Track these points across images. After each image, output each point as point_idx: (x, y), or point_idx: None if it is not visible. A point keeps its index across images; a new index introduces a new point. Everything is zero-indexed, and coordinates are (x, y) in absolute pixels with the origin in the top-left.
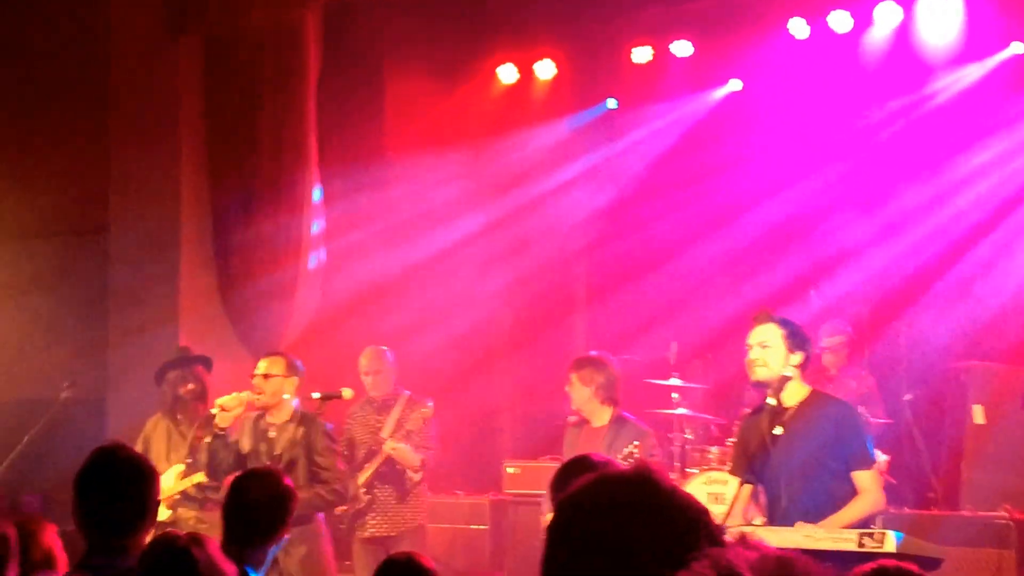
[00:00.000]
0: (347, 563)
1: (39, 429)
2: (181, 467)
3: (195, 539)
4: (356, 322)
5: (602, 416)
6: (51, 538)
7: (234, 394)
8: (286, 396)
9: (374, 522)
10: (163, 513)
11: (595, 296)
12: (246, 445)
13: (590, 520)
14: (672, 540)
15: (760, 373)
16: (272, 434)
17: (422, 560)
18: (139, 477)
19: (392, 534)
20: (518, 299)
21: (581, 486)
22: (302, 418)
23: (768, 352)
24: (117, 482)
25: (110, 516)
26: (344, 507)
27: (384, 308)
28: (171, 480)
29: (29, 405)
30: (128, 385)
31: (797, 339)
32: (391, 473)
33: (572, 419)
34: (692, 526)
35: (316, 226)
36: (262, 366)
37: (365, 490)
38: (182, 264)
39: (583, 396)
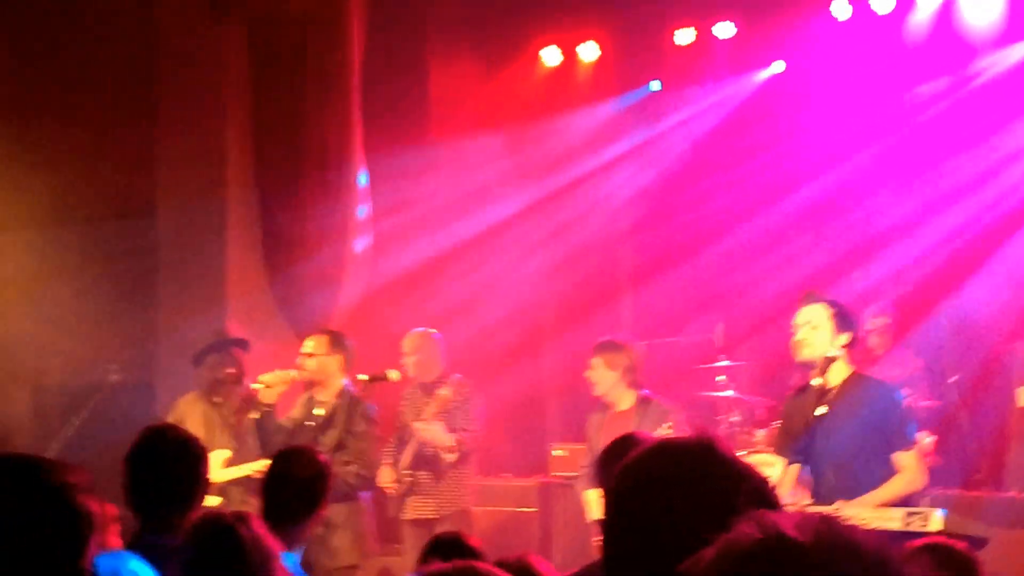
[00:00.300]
0: (397, 546)
1: (87, 413)
2: (227, 453)
3: (240, 517)
4: (402, 305)
5: (627, 399)
6: (107, 517)
7: (277, 371)
8: (334, 374)
9: (416, 504)
10: (213, 500)
11: (640, 278)
12: (295, 419)
13: (653, 486)
14: (732, 505)
15: (806, 352)
16: (318, 411)
17: (469, 540)
18: (188, 456)
19: (434, 516)
20: (564, 281)
21: (643, 453)
22: (347, 398)
23: (815, 332)
24: (166, 461)
25: (159, 495)
26: (391, 488)
27: (430, 291)
28: (217, 466)
29: (78, 389)
30: (176, 368)
31: (844, 320)
32: (430, 456)
33: None
34: (752, 490)
35: (362, 211)
36: (307, 345)
37: (408, 473)
38: (229, 247)
39: (609, 380)
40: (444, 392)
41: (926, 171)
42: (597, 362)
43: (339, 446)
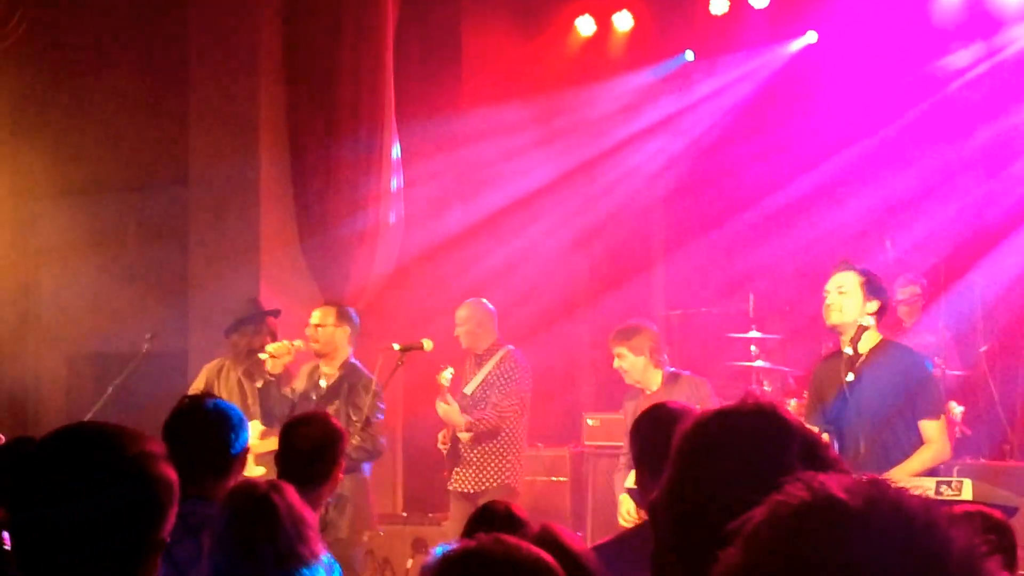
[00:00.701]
0: (437, 515)
1: (121, 381)
2: (260, 425)
3: (275, 486)
4: (434, 274)
5: (655, 379)
6: None
7: (284, 341)
8: (341, 346)
9: (459, 475)
10: (257, 470)
11: (673, 248)
12: (299, 389)
13: (709, 449)
14: (784, 464)
15: (835, 317)
16: (323, 382)
17: (517, 511)
18: (226, 425)
19: (473, 490)
20: (596, 251)
21: (699, 418)
22: (349, 369)
23: (845, 298)
24: (204, 429)
25: (197, 464)
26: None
27: (462, 260)
28: (255, 436)
29: (112, 358)
30: (210, 336)
31: (874, 287)
32: (482, 436)
33: None
34: (805, 449)
35: (395, 182)
36: (315, 316)
37: (447, 444)
38: (262, 216)
39: (639, 366)
40: (489, 365)
41: (957, 141)
42: (622, 351)
43: (341, 418)
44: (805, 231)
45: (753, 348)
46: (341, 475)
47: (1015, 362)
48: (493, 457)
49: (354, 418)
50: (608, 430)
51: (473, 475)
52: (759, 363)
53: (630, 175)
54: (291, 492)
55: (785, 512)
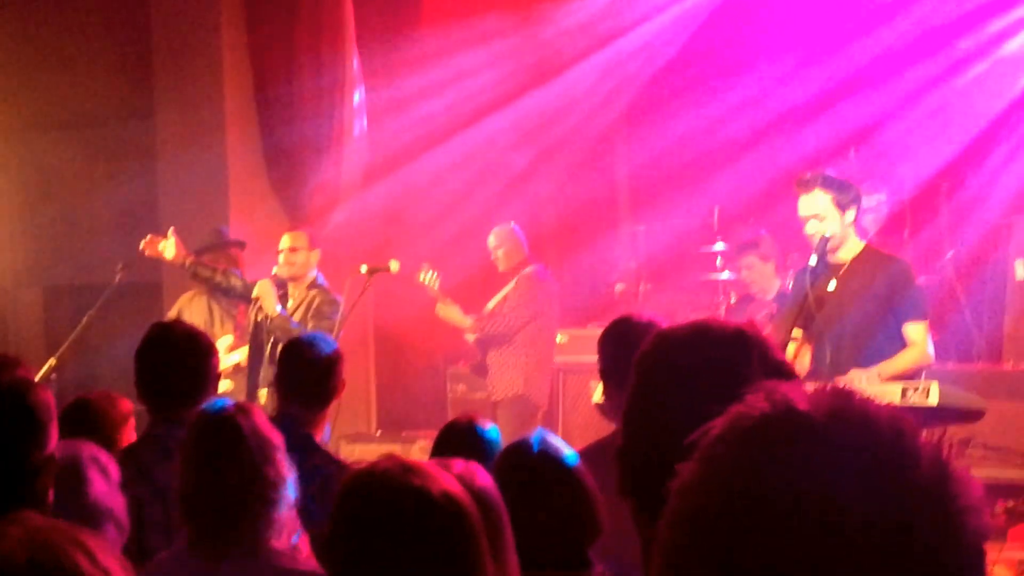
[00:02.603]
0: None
1: (96, 311)
2: (230, 339)
3: (241, 408)
4: (401, 197)
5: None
6: (118, 416)
7: (260, 281)
8: (312, 268)
9: (488, 386)
10: (224, 384)
11: (637, 163)
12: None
13: (668, 363)
14: (743, 375)
15: (830, 257)
16: (291, 303)
17: (481, 423)
18: (197, 350)
19: (493, 399)
20: (559, 167)
21: (661, 333)
22: (317, 287)
23: (825, 223)
24: (175, 355)
25: (169, 388)
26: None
27: (429, 182)
28: (222, 352)
29: (86, 290)
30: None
31: (845, 196)
32: (487, 341)
33: (619, 287)
34: (764, 360)
35: (357, 96)
36: (288, 241)
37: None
38: (228, 144)
39: (768, 272)
40: (511, 284)
41: (922, 52)
42: (751, 260)
43: None
44: (770, 144)
45: (719, 260)
46: (342, 392)
47: (981, 267)
48: (506, 367)
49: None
50: (577, 346)
51: (490, 384)
52: (725, 275)
53: (592, 92)
54: (258, 414)
55: (744, 425)
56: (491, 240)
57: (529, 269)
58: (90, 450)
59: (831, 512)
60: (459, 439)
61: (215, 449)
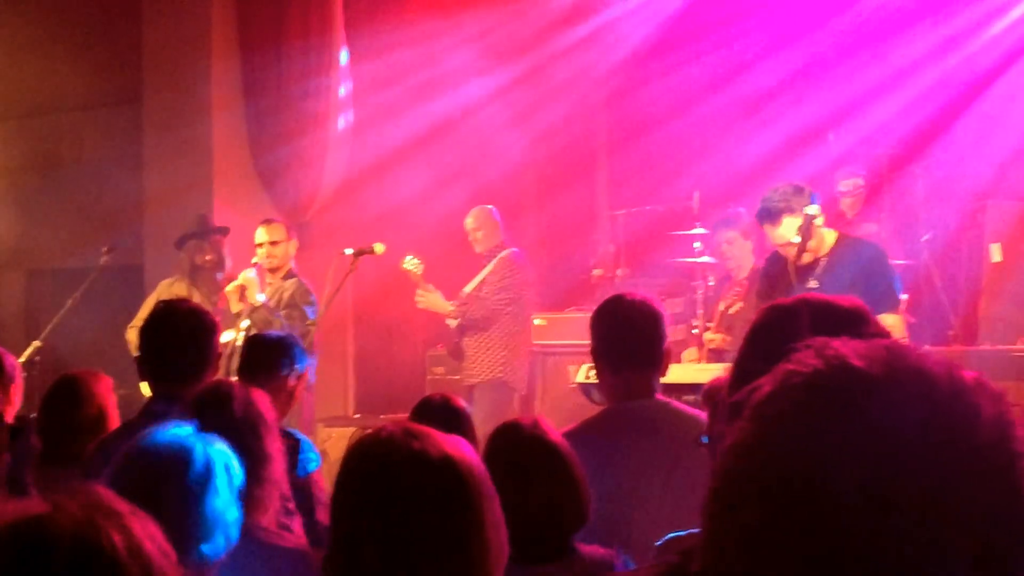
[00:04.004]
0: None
1: (80, 294)
2: None
3: (236, 386)
4: (384, 181)
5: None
6: (105, 391)
7: (242, 273)
8: (290, 258)
9: (463, 369)
10: None
11: (616, 148)
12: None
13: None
14: (794, 332)
15: (806, 258)
16: (268, 291)
17: (456, 402)
18: (200, 328)
19: (470, 382)
20: (541, 153)
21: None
22: (292, 277)
23: (797, 241)
24: (178, 332)
25: (171, 365)
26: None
27: (411, 166)
28: None
29: (69, 273)
30: (165, 251)
31: (803, 201)
32: (468, 326)
33: (597, 272)
34: (817, 314)
35: (344, 88)
36: (267, 234)
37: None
38: (214, 130)
39: (748, 249)
40: (489, 266)
41: (900, 34)
42: (732, 235)
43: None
44: (748, 127)
45: (697, 244)
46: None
47: (957, 250)
48: (484, 351)
49: (307, 322)
50: (555, 330)
51: (467, 367)
52: (704, 259)
53: (574, 77)
54: (256, 394)
55: (797, 383)
56: (469, 221)
57: (506, 252)
58: None
59: (888, 470)
60: (434, 415)
61: (201, 418)
